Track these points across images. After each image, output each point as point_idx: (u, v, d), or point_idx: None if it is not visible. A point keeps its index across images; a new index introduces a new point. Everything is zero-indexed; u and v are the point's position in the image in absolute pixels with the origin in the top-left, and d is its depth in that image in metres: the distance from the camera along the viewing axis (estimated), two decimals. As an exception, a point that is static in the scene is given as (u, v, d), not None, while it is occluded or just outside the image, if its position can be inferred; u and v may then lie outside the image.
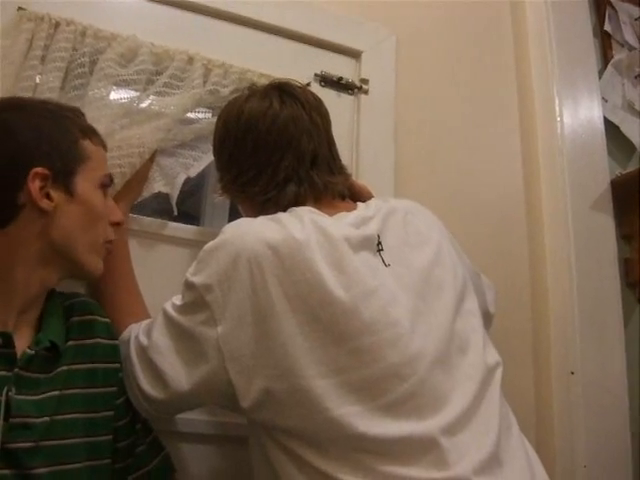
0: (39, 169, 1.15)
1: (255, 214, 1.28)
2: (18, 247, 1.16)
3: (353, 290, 1.12)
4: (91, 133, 1.27)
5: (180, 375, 1.18)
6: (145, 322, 1.29)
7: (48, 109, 1.24)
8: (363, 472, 1.04)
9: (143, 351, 1.23)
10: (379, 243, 1.24)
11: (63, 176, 1.19)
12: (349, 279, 1.13)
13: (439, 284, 1.25)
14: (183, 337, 1.19)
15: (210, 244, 1.19)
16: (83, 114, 1.31)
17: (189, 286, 1.18)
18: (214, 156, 1.45)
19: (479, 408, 1.13)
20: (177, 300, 1.22)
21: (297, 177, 1.33)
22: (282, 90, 1.38)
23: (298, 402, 1.08)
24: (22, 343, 1.14)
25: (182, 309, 1.20)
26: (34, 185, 1.14)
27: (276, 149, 1.32)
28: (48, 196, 1.16)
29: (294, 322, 1.10)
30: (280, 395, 1.10)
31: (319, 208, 1.28)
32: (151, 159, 1.52)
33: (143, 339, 1.24)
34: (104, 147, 1.31)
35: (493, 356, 1.25)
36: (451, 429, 1.06)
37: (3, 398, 1.06)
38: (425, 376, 1.10)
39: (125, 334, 1.31)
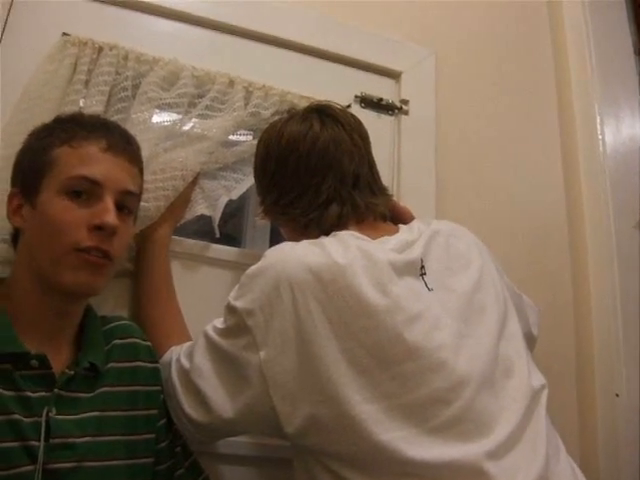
0: (13, 189, 1.18)
1: (297, 237, 1.29)
2: (21, 272, 1.17)
3: (397, 315, 1.11)
4: (75, 137, 1.17)
5: (224, 400, 1.18)
6: (187, 344, 1.29)
7: (42, 126, 1.24)
8: None
9: (185, 374, 1.23)
10: (422, 267, 1.24)
11: (29, 190, 1.16)
12: (393, 304, 1.12)
13: (482, 308, 1.24)
14: (225, 361, 1.19)
15: (252, 269, 1.20)
16: (81, 115, 1.28)
17: (231, 310, 1.18)
18: (255, 179, 1.45)
19: (525, 431, 1.11)
20: (219, 323, 1.22)
21: (339, 198, 1.32)
22: (322, 112, 1.38)
23: (344, 427, 1.07)
24: (60, 361, 1.14)
25: (224, 333, 1.20)
26: (10, 206, 1.17)
27: (317, 170, 1.33)
28: (22, 214, 1.17)
29: (338, 348, 1.10)
30: (325, 421, 1.09)
31: (361, 230, 1.28)
32: (194, 182, 1.53)
33: (185, 362, 1.24)
34: (105, 146, 1.19)
35: (538, 379, 1.23)
36: (498, 453, 1.05)
37: (43, 419, 1.06)
38: (471, 401, 1.09)
39: (166, 356, 1.31)
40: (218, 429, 1.24)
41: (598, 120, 2.08)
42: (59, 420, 1.08)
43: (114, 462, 1.15)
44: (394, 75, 1.91)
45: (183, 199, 1.51)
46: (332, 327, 1.10)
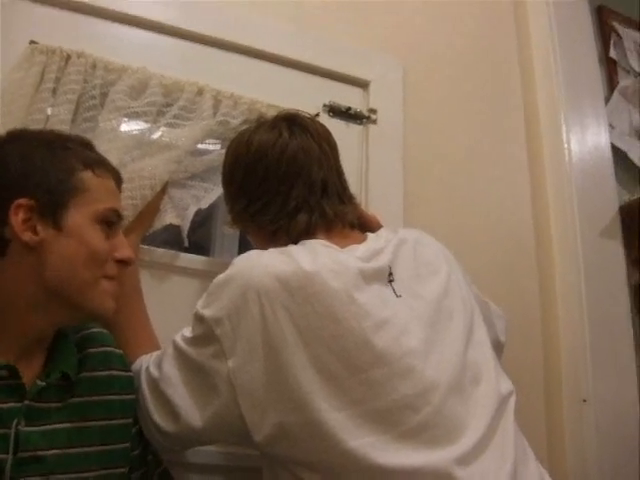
0: (23, 200, 1.10)
1: (266, 245, 1.29)
2: (10, 288, 1.11)
3: (365, 322, 1.12)
4: (96, 164, 1.20)
5: (193, 409, 1.17)
6: (156, 353, 1.29)
7: (46, 139, 1.20)
8: None
9: (154, 383, 1.22)
10: (390, 274, 1.24)
11: (51, 209, 1.12)
12: (360, 311, 1.12)
13: (450, 314, 1.25)
14: (194, 370, 1.19)
15: (220, 277, 1.19)
16: (91, 144, 1.27)
17: (199, 319, 1.18)
18: (223, 187, 1.44)
19: (494, 438, 1.12)
20: (187, 332, 1.21)
21: (308, 206, 1.32)
22: (291, 120, 1.38)
23: (312, 435, 1.07)
24: (31, 372, 1.12)
25: (192, 342, 1.19)
26: (17, 217, 1.09)
27: (286, 178, 1.33)
28: (35, 230, 1.11)
29: (306, 355, 1.10)
30: (294, 429, 1.09)
31: (330, 238, 1.29)
32: (162, 191, 1.52)
33: (154, 371, 1.23)
34: (116, 180, 1.26)
35: (506, 385, 1.24)
36: (466, 459, 1.05)
37: (12, 431, 1.04)
38: (439, 407, 1.09)
39: (136, 365, 1.30)
40: (187, 438, 1.23)
41: (564, 129, 2.10)
42: (28, 432, 1.06)
43: (86, 474, 1.13)
44: (362, 84, 1.92)
45: (151, 208, 1.51)
46: (300, 334, 1.10)
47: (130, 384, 1.27)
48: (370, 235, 1.36)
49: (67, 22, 1.60)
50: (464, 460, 1.05)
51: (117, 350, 1.28)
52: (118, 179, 1.27)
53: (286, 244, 1.27)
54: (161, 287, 1.54)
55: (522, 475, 1.11)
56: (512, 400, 1.22)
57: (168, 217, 1.54)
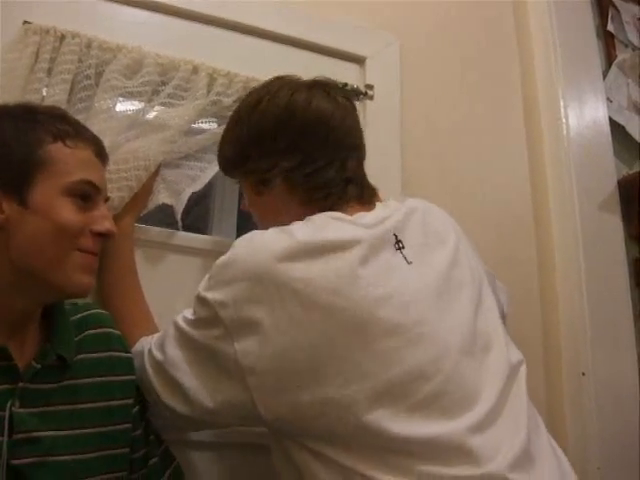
0: None
1: (286, 211, 1.30)
2: None
3: (373, 292, 1.12)
4: (68, 136, 1.15)
5: (202, 390, 1.17)
6: (156, 336, 1.28)
7: (12, 113, 1.16)
8: (396, 471, 1.04)
9: (159, 366, 1.22)
10: (399, 241, 1.24)
11: (16, 185, 1.09)
12: (368, 282, 1.13)
13: (459, 284, 1.25)
14: (199, 351, 1.18)
15: (222, 259, 1.18)
16: (65, 114, 1.24)
17: (202, 301, 1.17)
18: (256, 141, 1.35)
19: (506, 405, 1.13)
20: (189, 314, 1.21)
21: (357, 178, 1.34)
22: (342, 90, 1.41)
23: (325, 412, 1.08)
24: (25, 353, 1.12)
25: (196, 324, 1.19)
26: None
27: (344, 147, 1.33)
28: (1, 208, 1.08)
29: (315, 333, 1.10)
30: (307, 407, 1.09)
31: (353, 211, 1.28)
32: (156, 172, 1.52)
33: (157, 353, 1.23)
34: (96, 150, 1.21)
35: (516, 354, 1.24)
36: (480, 427, 1.06)
37: (6, 413, 1.04)
38: (450, 375, 1.10)
39: (137, 347, 1.30)
40: (200, 419, 1.23)
41: (562, 103, 2.09)
42: (23, 414, 1.06)
43: (85, 455, 1.13)
44: (359, 60, 1.91)
45: (146, 189, 1.50)
46: (308, 313, 1.10)
47: (130, 365, 1.26)
48: (378, 204, 1.36)
49: (61, 2, 1.58)
50: (478, 428, 1.06)
51: (116, 331, 1.28)
52: (99, 149, 1.22)
53: (314, 212, 1.26)
54: (158, 266, 1.53)
55: (535, 444, 1.11)
56: (523, 369, 1.22)
57: (161, 197, 1.54)
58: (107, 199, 1.26)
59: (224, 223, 1.80)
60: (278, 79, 1.40)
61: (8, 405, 1.05)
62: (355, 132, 1.37)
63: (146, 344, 1.28)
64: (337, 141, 1.32)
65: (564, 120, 2.08)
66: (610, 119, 2.17)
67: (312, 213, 1.26)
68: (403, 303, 1.13)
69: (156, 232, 1.56)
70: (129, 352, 1.28)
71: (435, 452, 1.05)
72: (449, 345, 1.12)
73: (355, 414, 1.06)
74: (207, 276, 1.20)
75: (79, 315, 1.26)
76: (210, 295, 1.16)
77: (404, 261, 1.21)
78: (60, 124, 1.17)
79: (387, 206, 1.34)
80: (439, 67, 2.08)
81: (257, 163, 1.34)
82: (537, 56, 2.20)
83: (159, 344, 1.24)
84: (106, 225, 1.17)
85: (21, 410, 1.07)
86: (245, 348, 1.12)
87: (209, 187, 1.83)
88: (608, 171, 2.09)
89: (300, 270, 1.12)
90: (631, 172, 2.13)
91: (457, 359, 1.12)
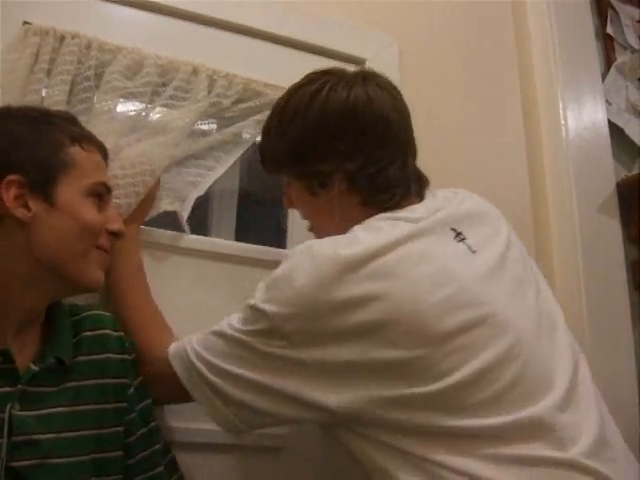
0: (14, 176, 1.10)
1: (347, 211, 1.28)
2: (6, 265, 1.12)
3: (444, 289, 1.11)
4: (83, 139, 1.22)
5: (269, 395, 1.15)
6: (200, 344, 1.21)
7: (30, 116, 1.20)
8: (485, 459, 1.04)
9: (218, 374, 1.18)
10: (460, 233, 1.23)
11: (42, 184, 1.13)
12: (438, 278, 1.12)
13: (517, 268, 1.25)
14: (260, 358, 1.15)
15: (282, 270, 1.16)
16: (75, 119, 1.28)
17: (259, 312, 1.14)
18: (315, 141, 1.29)
19: (577, 388, 1.13)
20: (240, 324, 1.17)
21: (416, 175, 1.33)
22: (391, 84, 1.36)
23: (406, 409, 1.07)
24: (25, 356, 1.13)
25: (255, 334, 1.15)
26: (8, 194, 1.09)
27: (403, 144, 1.31)
28: (27, 206, 1.11)
29: (390, 335, 1.08)
30: (387, 403, 1.08)
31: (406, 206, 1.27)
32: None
33: (215, 360, 1.18)
34: (103, 154, 1.27)
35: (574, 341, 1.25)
36: (561, 407, 1.06)
37: (6, 415, 1.05)
38: (527, 359, 1.09)
39: (177, 351, 1.24)
40: (264, 421, 1.23)
41: (561, 106, 2.09)
42: (22, 416, 1.07)
43: (81, 457, 1.13)
44: (358, 62, 1.89)
45: (151, 195, 1.47)
46: (381, 315, 1.08)
47: (124, 368, 1.27)
48: (427, 194, 1.34)
49: (60, 2, 1.58)
50: (560, 408, 1.06)
51: (115, 332, 1.28)
52: (104, 153, 1.29)
53: (373, 212, 1.25)
54: (162, 268, 1.53)
55: (607, 427, 1.12)
56: (583, 356, 1.22)
57: (162, 204, 1.52)
58: None
59: (223, 225, 1.79)
60: (325, 73, 1.35)
61: (8, 407, 1.06)
62: (409, 123, 1.34)
63: (192, 353, 1.21)
64: (396, 137, 1.29)
65: (563, 122, 2.08)
66: (609, 121, 2.17)
67: (371, 213, 1.25)
68: (476, 293, 1.13)
69: (159, 234, 1.55)
70: (124, 354, 1.28)
71: (522, 435, 1.04)
72: (523, 329, 1.12)
73: (437, 413, 1.06)
74: (263, 287, 1.17)
75: (77, 316, 1.26)
76: (269, 307, 1.13)
77: (468, 251, 1.21)
78: (74, 127, 1.24)
79: (436, 196, 1.33)
80: (438, 69, 2.07)
81: (316, 165, 1.29)
82: (536, 58, 2.20)
83: (213, 353, 1.19)
84: (118, 225, 1.26)
85: (21, 412, 1.07)
86: (315, 354, 1.11)
87: (207, 190, 1.81)
88: (607, 173, 2.09)
89: (367, 276, 1.10)
90: (630, 174, 2.12)
91: (530, 345, 1.11)
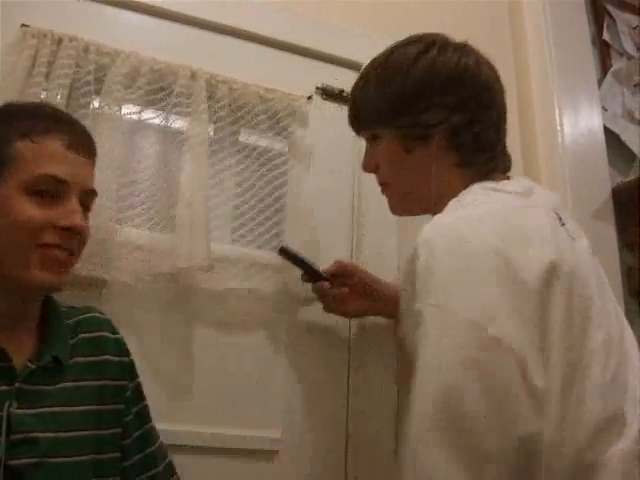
0: None
1: (441, 172, 1.24)
2: None
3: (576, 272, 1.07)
4: (35, 131, 1.12)
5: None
6: None
7: None
8: None
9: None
10: (561, 217, 1.19)
11: None
12: (568, 259, 1.07)
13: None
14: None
15: (430, 257, 1.03)
16: (38, 109, 1.23)
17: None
18: (422, 93, 1.25)
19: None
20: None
21: (504, 147, 1.32)
22: (489, 61, 1.35)
23: None
24: (22, 354, 1.12)
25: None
26: None
27: (501, 113, 1.31)
28: None
29: (562, 314, 1.02)
30: None
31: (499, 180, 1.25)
32: None
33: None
34: (71, 142, 1.15)
35: None
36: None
37: (4, 413, 1.04)
38: (617, 356, 1.06)
39: None
40: None
41: (557, 112, 2.10)
42: (21, 414, 1.06)
43: (79, 458, 1.13)
44: (355, 66, 1.89)
45: None
46: (558, 294, 1.02)
47: (122, 370, 1.27)
48: (510, 175, 1.32)
49: (58, 5, 1.59)
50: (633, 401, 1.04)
51: (112, 335, 1.28)
52: (72, 141, 1.16)
53: (467, 176, 1.23)
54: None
55: None
56: None
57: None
58: (93, 193, 1.21)
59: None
60: (429, 35, 1.36)
61: (6, 405, 1.05)
62: (505, 101, 1.34)
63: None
64: (499, 106, 1.30)
65: (559, 128, 2.09)
66: (605, 127, 2.18)
67: (465, 177, 1.22)
68: (583, 280, 1.08)
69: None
70: (122, 356, 1.28)
71: (603, 429, 1.00)
72: (611, 331, 1.09)
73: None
74: (420, 283, 1.03)
75: (75, 318, 1.26)
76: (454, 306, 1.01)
77: (569, 237, 1.15)
78: (32, 120, 1.15)
79: (518, 180, 1.29)
80: (436, 73, 2.07)
81: (420, 116, 1.25)
82: (532, 64, 2.21)
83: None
84: (72, 220, 1.12)
85: (19, 410, 1.06)
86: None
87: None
88: (603, 179, 2.09)
89: (536, 256, 1.03)
90: (625, 180, 2.13)
91: (619, 341, 1.09)
